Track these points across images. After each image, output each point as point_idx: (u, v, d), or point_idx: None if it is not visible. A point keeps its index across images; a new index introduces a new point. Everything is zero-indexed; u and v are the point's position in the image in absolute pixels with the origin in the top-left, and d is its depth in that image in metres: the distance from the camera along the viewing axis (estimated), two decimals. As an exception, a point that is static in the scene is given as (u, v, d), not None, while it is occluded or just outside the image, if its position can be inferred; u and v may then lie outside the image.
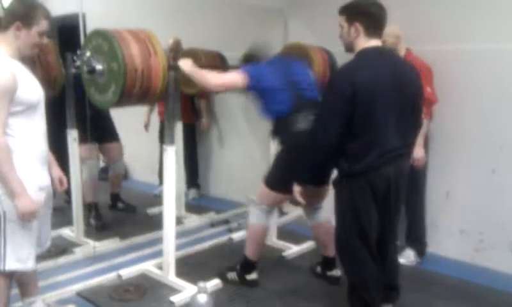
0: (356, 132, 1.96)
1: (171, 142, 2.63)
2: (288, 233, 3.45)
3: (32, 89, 1.81)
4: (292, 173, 2.27)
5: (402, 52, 2.91)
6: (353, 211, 2.05)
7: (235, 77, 2.48)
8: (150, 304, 2.51)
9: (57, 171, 2.10)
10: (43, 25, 1.82)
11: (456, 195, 3.08)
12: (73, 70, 2.98)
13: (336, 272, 2.74)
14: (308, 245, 3.26)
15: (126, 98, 2.28)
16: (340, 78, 2.00)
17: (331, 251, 2.69)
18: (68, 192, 3.33)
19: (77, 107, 3.35)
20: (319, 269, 2.84)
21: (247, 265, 2.71)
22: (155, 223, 3.59)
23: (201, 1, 4.29)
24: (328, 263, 2.78)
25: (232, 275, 2.74)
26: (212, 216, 3.89)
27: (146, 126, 4.54)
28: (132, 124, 4.47)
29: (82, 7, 3.67)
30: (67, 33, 3.79)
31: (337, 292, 2.55)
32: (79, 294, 2.58)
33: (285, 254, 3.14)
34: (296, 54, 3.17)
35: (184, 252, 3.10)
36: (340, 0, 3.42)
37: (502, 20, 2.81)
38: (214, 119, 4.55)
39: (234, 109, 4.31)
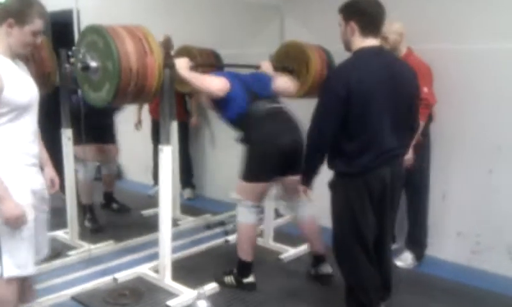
0: (351, 132, 1.96)
1: (167, 141, 2.59)
2: (284, 235, 3.43)
3: (22, 90, 1.73)
4: (261, 160, 2.50)
5: (403, 51, 2.90)
6: (349, 212, 2.05)
7: (222, 84, 2.57)
8: (146, 308, 2.47)
9: (50, 172, 2.01)
10: (37, 24, 1.74)
11: (453, 196, 3.08)
12: (67, 66, 2.92)
13: (326, 269, 2.75)
14: (305, 247, 3.23)
15: (120, 97, 2.24)
16: (334, 79, 2.00)
17: (319, 246, 2.77)
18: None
19: (77, 107, 3.35)
20: (313, 271, 2.82)
21: (243, 268, 2.69)
22: (150, 225, 3.54)
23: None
24: (317, 260, 2.80)
25: (229, 279, 2.71)
26: (207, 218, 3.86)
27: (137, 124, 4.49)
28: (125, 122, 4.41)
29: (77, 3, 3.62)
30: (60, 29, 3.71)
31: (335, 294, 2.52)
32: (74, 298, 2.53)
33: (282, 256, 3.12)
34: (293, 52, 3.15)
35: (180, 255, 3.07)
36: (337, -1, 3.43)
37: (500, 19, 2.80)
38: (207, 119, 4.51)
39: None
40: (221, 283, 2.70)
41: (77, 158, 3.48)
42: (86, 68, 2.19)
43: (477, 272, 2.95)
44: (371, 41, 1.99)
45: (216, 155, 4.51)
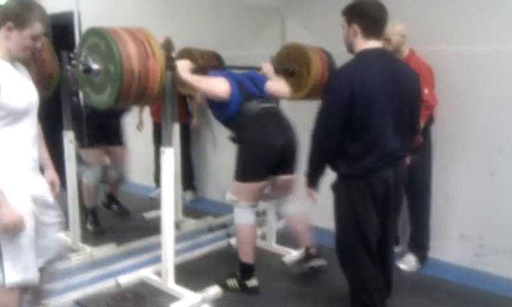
0: (354, 134, 1.98)
1: (169, 144, 2.57)
2: (287, 238, 3.40)
3: (20, 95, 1.69)
4: (253, 160, 2.53)
5: (405, 52, 2.88)
6: (353, 214, 2.05)
7: (225, 87, 2.57)
8: (149, 312, 2.46)
9: (51, 174, 2.00)
10: (37, 28, 1.71)
11: (456, 198, 3.07)
12: (68, 68, 2.91)
13: (320, 261, 2.77)
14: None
15: (122, 100, 2.22)
16: (338, 81, 2.00)
17: (309, 241, 2.80)
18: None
19: (79, 109, 3.36)
20: (307, 266, 2.81)
21: (245, 270, 2.68)
22: (152, 227, 3.53)
23: (198, 0, 4.22)
24: (308, 255, 2.80)
25: (232, 282, 2.70)
26: (209, 220, 3.84)
27: (139, 125, 4.48)
28: (126, 124, 4.39)
29: (78, 6, 3.62)
30: (60, 31, 3.71)
31: (339, 297, 2.52)
32: (77, 302, 2.52)
33: (284, 259, 3.10)
34: (294, 54, 3.14)
35: (183, 258, 3.05)
36: (338, 1, 3.43)
37: (502, 20, 2.79)
38: (208, 120, 4.50)
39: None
40: (224, 287, 2.68)
41: (82, 161, 3.49)
42: (88, 70, 2.18)
43: (481, 274, 2.93)
44: (374, 43, 2.01)
45: (218, 157, 4.50)
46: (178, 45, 3.85)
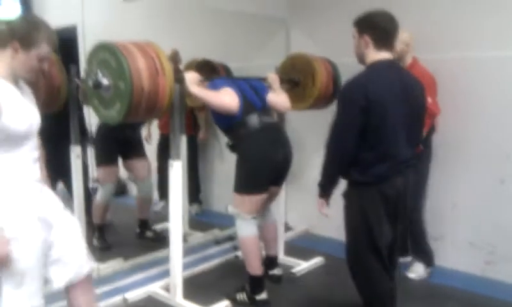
0: (368, 142, 1.99)
1: (178, 156, 2.56)
2: (295, 249, 3.39)
3: (20, 118, 1.60)
4: (255, 173, 2.57)
5: (408, 60, 2.89)
6: (364, 222, 2.06)
7: (234, 101, 2.55)
8: (158, 328, 2.43)
9: None
10: (44, 49, 1.64)
11: (463, 206, 3.05)
12: (76, 80, 2.90)
13: (278, 271, 2.93)
14: (317, 260, 3.21)
15: (131, 116, 2.24)
16: (354, 90, 2.01)
17: (274, 251, 2.95)
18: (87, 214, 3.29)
19: (102, 128, 3.37)
20: (265, 272, 2.84)
21: (254, 283, 2.65)
22: (157, 242, 3.53)
23: (202, 12, 4.24)
24: (271, 263, 2.92)
25: (242, 296, 2.67)
26: (216, 233, 3.81)
27: (147, 138, 4.46)
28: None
29: (78, 20, 3.64)
30: (63, 45, 3.72)
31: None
32: (84, 320, 2.48)
33: (294, 270, 3.07)
34: (299, 64, 3.14)
35: (190, 272, 3.02)
36: (342, 10, 3.44)
37: (506, 27, 2.79)
38: (215, 132, 4.49)
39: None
40: (233, 301, 2.65)
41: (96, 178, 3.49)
42: (98, 86, 2.17)
43: (491, 282, 2.90)
44: (384, 55, 2.04)
45: (224, 169, 4.47)
46: (183, 57, 3.85)
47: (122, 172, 3.90)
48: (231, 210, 2.68)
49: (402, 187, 2.08)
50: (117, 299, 2.67)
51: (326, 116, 3.28)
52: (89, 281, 1.91)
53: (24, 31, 1.62)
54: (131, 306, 2.65)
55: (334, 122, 2.05)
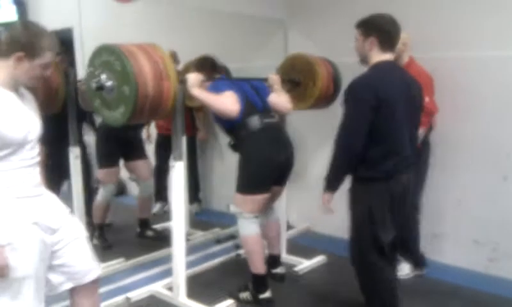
0: (375, 139, 2.04)
1: (180, 157, 2.56)
2: (297, 247, 3.40)
3: (18, 125, 1.57)
4: (258, 172, 2.57)
5: (405, 60, 2.90)
6: (369, 217, 2.10)
7: (235, 105, 2.54)
8: (162, 328, 2.43)
9: None
10: (47, 57, 1.62)
11: (467, 204, 3.05)
12: (79, 81, 2.90)
13: (281, 270, 2.94)
14: (320, 259, 3.22)
15: (135, 118, 2.26)
16: (364, 89, 2.05)
17: (277, 249, 2.97)
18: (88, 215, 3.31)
19: (101, 130, 3.37)
20: (269, 271, 2.86)
21: (257, 282, 2.65)
22: (158, 241, 3.52)
23: (199, 13, 4.23)
24: (274, 261, 2.93)
25: (245, 295, 2.67)
26: (217, 232, 3.82)
27: (147, 138, 4.45)
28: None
29: (74, 22, 3.63)
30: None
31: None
32: (87, 320, 2.47)
33: (296, 269, 3.08)
34: (299, 64, 3.15)
35: (192, 271, 3.01)
36: (340, 10, 3.46)
37: (506, 26, 2.81)
38: (214, 132, 4.49)
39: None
40: (237, 300, 2.65)
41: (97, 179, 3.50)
42: (101, 88, 2.17)
43: (495, 279, 2.92)
44: (387, 56, 2.11)
45: (224, 168, 4.48)
46: (181, 59, 3.85)
47: (122, 172, 3.90)
48: (233, 209, 2.68)
49: (407, 183, 2.14)
50: (120, 298, 2.66)
51: (327, 116, 3.33)
52: (96, 285, 1.90)
53: (28, 41, 1.59)
54: (134, 305, 2.64)
55: (343, 120, 2.09)
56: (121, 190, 4.93)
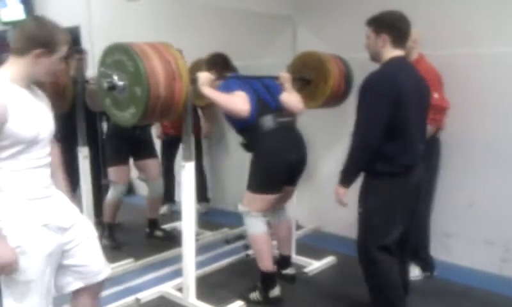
0: (393, 134, 2.05)
1: (190, 158, 2.53)
2: (307, 248, 3.37)
3: (29, 124, 1.56)
4: (271, 172, 2.56)
5: (414, 57, 2.85)
6: (385, 213, 2.12)
7: (246, 105, 2.51)
8: (172, 329, 2.42)
9: None
10: (63, 51, 1.62)
11: (480, 204, 3.01)
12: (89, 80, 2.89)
13: (291, 271, 2.92)
14: (329, 259, 3.19)
15: (146, 119, 2.25)
16: (383, 83, 2.07)
17: (288, 250, 2.95)
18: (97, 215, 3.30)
19: (112, 128, 3.36)
20: (278, 271, 2.86)
21: (267, 279, 2.64)
22: (167, 241, 3.52)
23: (207, 10, 4.20)
24: (284, 262, 2.91)
25: (255, 295, 2.66)
26: (225, 232, 3.80)
27: (160, 137, 4.42)
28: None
29: (82, 20, 3.58)
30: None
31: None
32: (97, 322, 2.46)
33: (306, 270, 3.05)
34: (311, 62, 3.10)
35: (201, 272, 2.99)
36: (350, 6, 3.42)
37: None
38: (222, 131, 4.47)
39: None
40: (247, 300, 2.63)
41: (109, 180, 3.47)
42: (113, 88, 2.15)
43: (508, 280, 2.88)
44: (399, 52, 2.14)
45: (232, 167, 4.46)
46: (188, 57, 3.80)
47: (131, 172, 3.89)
48: (240, 208, 2.67)
49: (422, 177, 2.22)
50: (129, 299, 2.65)
51: (336, 114, 3.30)
52: (102, 286, 1.89)
53: (46, 38, 1.58)
54: (144, 306, 2.63)
55: (361, 115, 2.09)
56: (129, 189, 4.91)
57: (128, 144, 3.44)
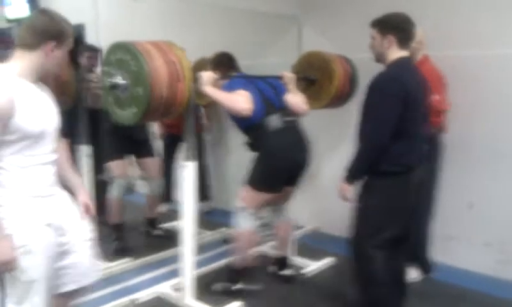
0: (399, 133, 2.06)
1: (192, 157, 2.51)
2: (305, 248, 3.35)
3: (35, 118, 1.55)
4: (274, 172, 2.56)
5: (418, 58, 2.82)
6: (386, 213, 2.12)
7: (248, 104, 2.51)
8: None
9: (83, 198, 1.85)
10: (70, 42, 1.65)
11: (479, 206, 3.00)
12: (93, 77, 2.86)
13: (289, 271, 2.92)
14: (328, 261, 3.18)
15: (147, 119, 2.25)
16: (392, 83, 2.08)
17: (286, 251, 2.94)
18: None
19: (110, 123, 3.24)
20: (271, 269, 2.93)
21: (237, 273, 2.71)
22: (165, 240, 3.49)
23: (212, 9, 4.17)
24: (282, 263, 2.92)
25: (218, 286, 2.74)
26: (224, 232, 3.76)
27: (161, 136, 4.38)
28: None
29: (87, 18, 3.56)
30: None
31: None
32: (93, 321, 2.44)
33: (304, 271, 3.03)
34: (316, 62, 3.07)
35: (199, 272, 2.94)
36: (355, 6, 3.39)
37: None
38: (224, 132, 4.43)
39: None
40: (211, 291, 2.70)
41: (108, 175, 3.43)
42: (115, 87, 2.13)
43: (504, 282, 2.87)
44: (404, 53, 2.16)
45: (232, 167, 4.43)
46: (193, 55, 3.77)
47: (128, 170, 3.85)
48: (238, 204, 2.67)
49: (423, 177, 2.23)
50: (126, 299, 2.62)
51: (339, 115, 3.27)
52: (85, 291, 1.87)
53: (58, 30, 1.60)
54: (141, 306, 2.60)
55: (371, 114, 2.09)
56: (128, 188, 4.87)
57: (124, 139, 3.38)
